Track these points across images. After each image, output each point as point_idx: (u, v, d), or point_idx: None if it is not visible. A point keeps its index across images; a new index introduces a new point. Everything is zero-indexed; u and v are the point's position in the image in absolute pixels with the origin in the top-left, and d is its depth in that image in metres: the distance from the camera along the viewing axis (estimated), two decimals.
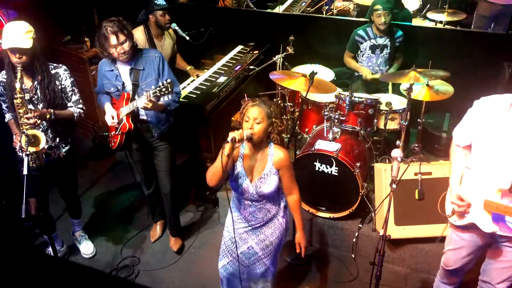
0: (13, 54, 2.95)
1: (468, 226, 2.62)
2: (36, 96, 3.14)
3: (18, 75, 2.96)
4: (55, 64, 3.24)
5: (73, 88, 3.28)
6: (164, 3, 3.98)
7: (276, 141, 2.63)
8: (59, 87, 3.21)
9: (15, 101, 3.01)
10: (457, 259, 2.83)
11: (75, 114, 3.29)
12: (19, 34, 2.91)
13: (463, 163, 2.65)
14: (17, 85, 2.97)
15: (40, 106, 3.16)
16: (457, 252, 2.80)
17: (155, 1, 3.96)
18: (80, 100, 3.33)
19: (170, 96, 2.97)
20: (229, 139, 2.42)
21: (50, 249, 3.22)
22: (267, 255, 2.84)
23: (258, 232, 2.80)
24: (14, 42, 2.91)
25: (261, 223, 2.77)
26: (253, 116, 2.50)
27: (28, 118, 3.00)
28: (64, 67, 3.27)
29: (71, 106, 3.30)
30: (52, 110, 3.12)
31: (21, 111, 3.02)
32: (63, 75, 3.22)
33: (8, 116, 3.28)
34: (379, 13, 4.11)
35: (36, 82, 3.12)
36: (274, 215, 2.77)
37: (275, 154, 2.61)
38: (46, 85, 3.12)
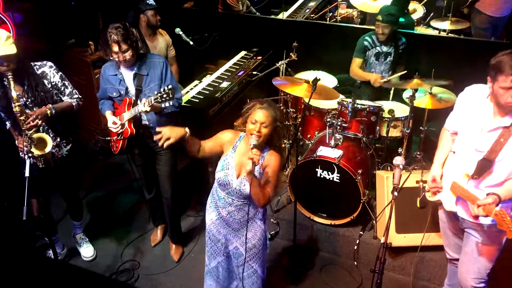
0: (0, 64, 2.91)
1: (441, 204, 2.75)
2: (29, 100, 3.11)
3: (11, 83, 2.91)
4: (39, 63, 3.18)
5: (64, 82, 3.25)
6: (155, 3, 4.15)
7: (275, 148, 2.64)
8: (49, 86, 3.18)
9: (14, 110, 2.96)
10: (448, 243, 2.93)
11: (74, 104, 3.27)
12: (1, 43, 2.86)
13: (449, 147, 2.74)
14: (13, 94, 2.91)
15: (35, 109, 3.11)
16: (444, 233, 2.90)
17: (147, 1, 4.11)
18: (74, 91, 3.30)
19: (171, 102, 2.96)
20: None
21: (50, 251, 3.21)
22: (252, 257, 2.83)
23: (240, 234, 2.79)
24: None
25: (240, 226, 2.76)
26: (261, 120, 2.51)
27: (30, 122, 2.97)
28: (50, 63, 3.21)
29: (67, 99, 3.28)
30: (51, 106, 3.11)
31: (22, 118, 2.97)
32: (50, 73, 3.19)
33: (8, 124, 3.25)
34: (378, 24, 4.15)
35: (25, 87, 3.09)
36: (252, 217, 2.75)
37: (266, 157, 2.62)
38: (35, 87, 3.09)
